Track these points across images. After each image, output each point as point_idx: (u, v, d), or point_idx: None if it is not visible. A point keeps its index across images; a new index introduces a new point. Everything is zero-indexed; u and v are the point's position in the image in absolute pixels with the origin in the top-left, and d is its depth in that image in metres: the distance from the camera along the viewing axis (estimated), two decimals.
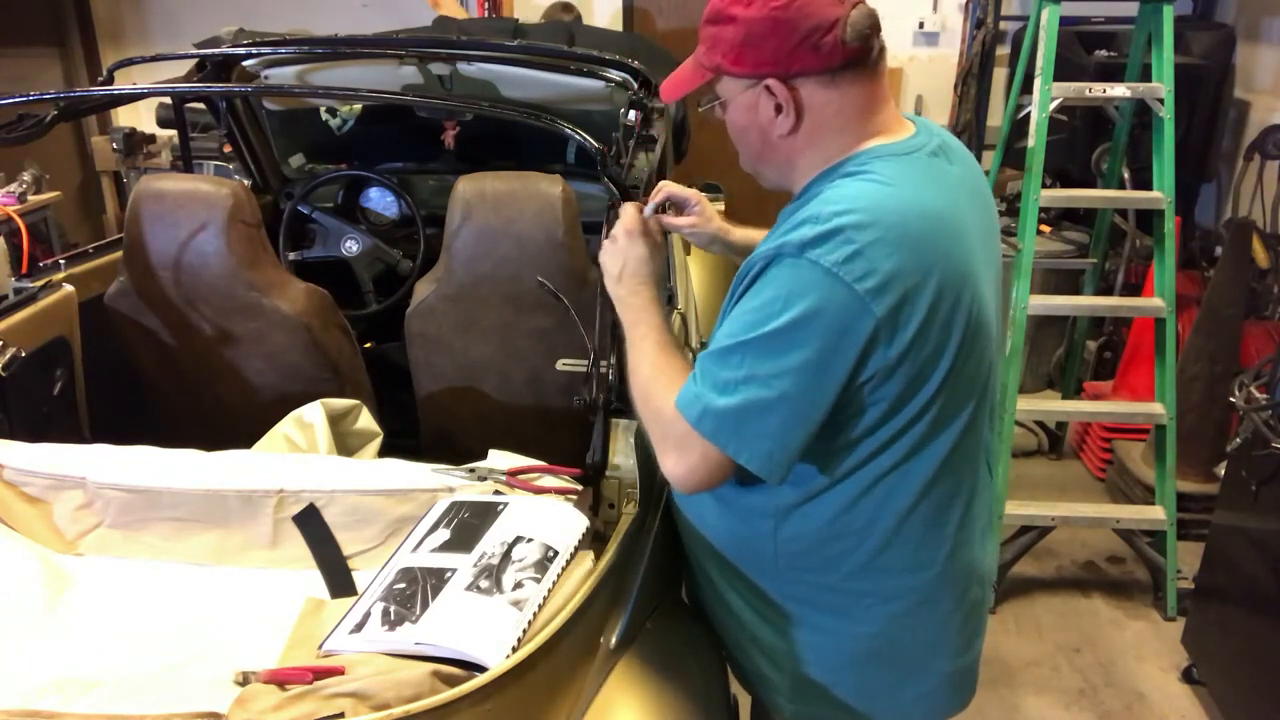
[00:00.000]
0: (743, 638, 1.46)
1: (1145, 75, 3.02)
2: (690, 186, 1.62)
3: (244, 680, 1.10)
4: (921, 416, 1.21)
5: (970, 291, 1.19)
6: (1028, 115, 2.94)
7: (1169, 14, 2.85)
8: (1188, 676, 2.71)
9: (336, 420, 1.85)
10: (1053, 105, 2.87)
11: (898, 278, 1.11)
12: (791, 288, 1.12)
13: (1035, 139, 2.87)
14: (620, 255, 1.42)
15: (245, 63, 2.43)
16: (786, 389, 1.13)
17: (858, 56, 1.18)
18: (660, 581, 1.57)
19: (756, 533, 1.33)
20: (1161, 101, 2.85)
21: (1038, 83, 2.88)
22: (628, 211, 1.45)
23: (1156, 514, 2.99)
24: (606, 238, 1.47)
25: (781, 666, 1.41)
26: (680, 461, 1.21)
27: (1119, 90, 2.95)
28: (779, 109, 1.20)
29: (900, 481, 1.25)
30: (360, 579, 1.42)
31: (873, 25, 1.18)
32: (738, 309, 1.19)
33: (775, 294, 1.13)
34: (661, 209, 1.54)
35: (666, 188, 1.55)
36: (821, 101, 1.20)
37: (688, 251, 3.01)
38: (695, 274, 2.95)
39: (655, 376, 1.28)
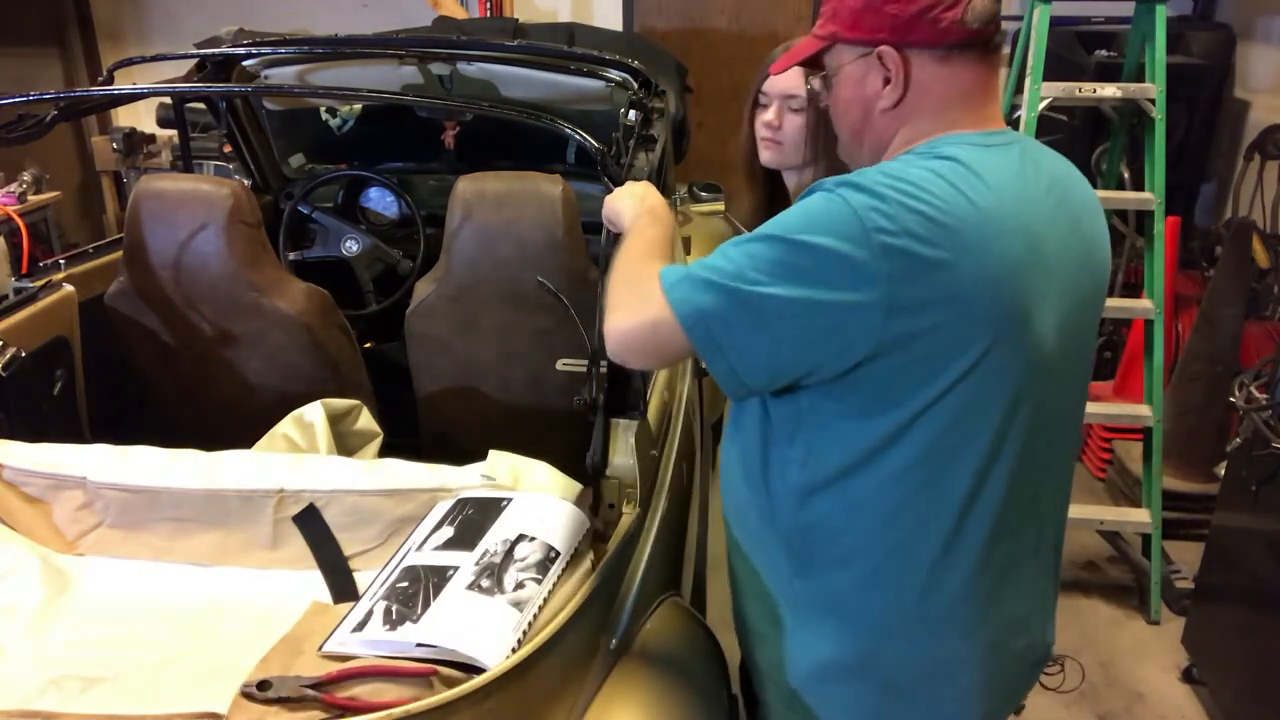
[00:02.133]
0: (748, 627, 1.43)
1: (1141, 75, 3.02)
2: (689, 187, 1.62)
3: (248, 683, 1.10)
4: (927, 414, 1.12)
5: (1014, 300, 1.10)
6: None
7: (1161, 14, 2.86)
8: (1188, 676, 2.71)
9: (336, 420, 1.85)
10: (1042, 105, 2.87)
11: (916, 249, 1.05)
12: (818, 214, 1.09)
13: None
14: (642, 185, 1.47)
15: (245, 63, 2.43)
16: (770, 303, 1.08)
17: (974, 40, 1.16)
18: (660, 581, 1.57)
19: (774, 510, 1.27)
20: (1153, 102, 2.86)
21: (1027, 82, 2.88)
22: None
23: (1142, 516, 2.98)
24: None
25: (776, 665, 1.36)
26: (628, 317, 1.18)
27: (1109, 90, 2.95)
28: (887, 81, 1.19)
29: (916, 489, 1.17)
30: (360, 580, 1.42)
31: (993, 17, 1.17)
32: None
33: (799, 212, 1.11)
34: None
35: None
36: (931, 78, 1.18)
37: (688, 250, 3.01)
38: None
39: (647, 252, 1.28)
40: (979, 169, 1.12)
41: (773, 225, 1.11)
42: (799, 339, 1.09)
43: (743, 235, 1.14)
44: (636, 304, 1.18)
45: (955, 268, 1.06)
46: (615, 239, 1.48)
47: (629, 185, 1.50)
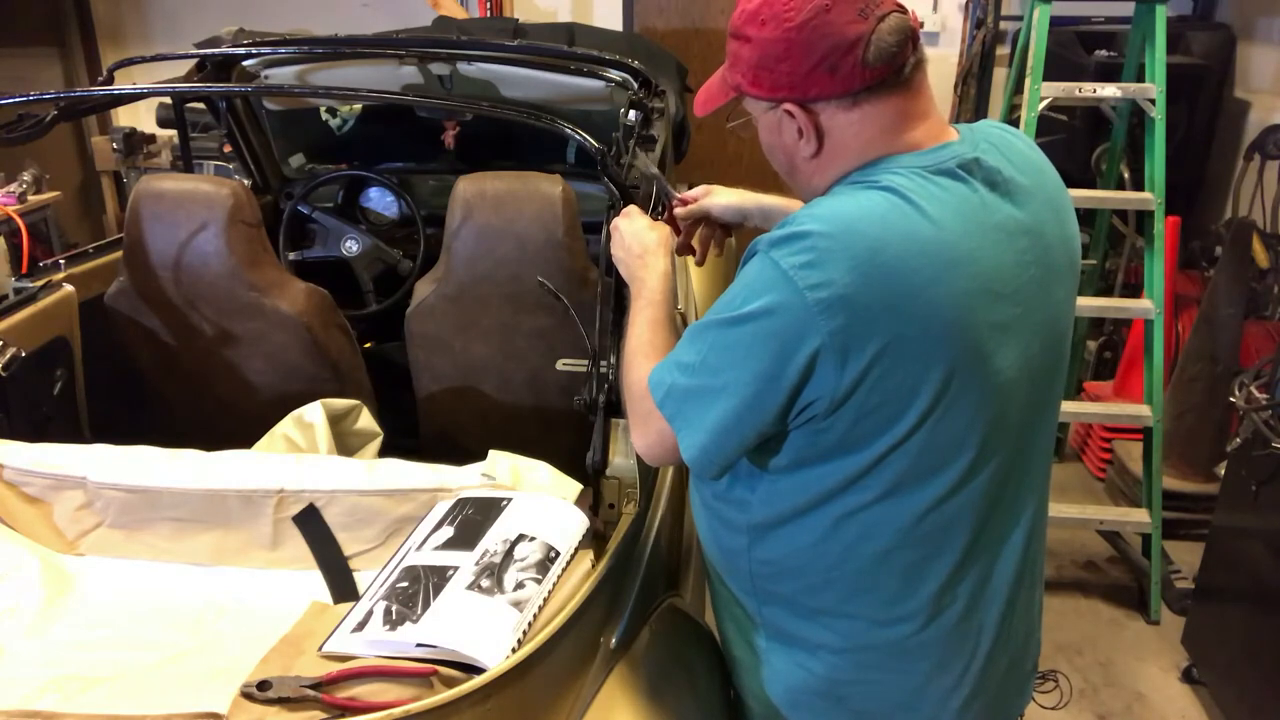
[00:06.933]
0: (727, 649, 1.43)
1: (1142, 76, 3.02)
2: (689, 187, 1.61)
3: (248, 683, 1.10)
4: (890, 456, 1.12)
5: (964, 334, 1.08)
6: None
7: (1161, 14, 2.86)
8: (1188, 676, 2.71)
9: (336, 420, 1.86)
10: (1042, 105, 2.86)
11: (854, 297, 1.03)
12: (754, 283, 1.09)
13: None
14: (646, 228, 1.45)
15: (245, 63, 2.43)
16: (729, 383, 1.11)
17: (881, 78, 1.10)
18: (660, 581, 1.57)
19: (735, 546, 1.29)
20: (1153, 102, 2.85)
21: (1027, 82, 2.88)
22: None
23: (1141, 516, 2.98)
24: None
25: (753, 690, 1.37)
26: (642, 436, 1.25)
27: (1109, 90, 2.95)
28: (800, 133, 1.15)
29: (876, 523, 1.16)
30: (360, 580, 1.42)
31: (902, 40, 1.09)
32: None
33: (741, 285, 1.12)
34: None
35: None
36: (843, 124, 1.14)
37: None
38: (695, 274, 2.96)
39: (639, 350, 1.30)
40: (919, 198, 1.08)
41: (721, 305, 1.13)
42: (768, 408, 1.11)
43: (701, 320, 1.16)
44: (642, 421, 1.24)
45: (898, 309, 1.05)
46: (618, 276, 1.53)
47: (632, 241, 1.46)
